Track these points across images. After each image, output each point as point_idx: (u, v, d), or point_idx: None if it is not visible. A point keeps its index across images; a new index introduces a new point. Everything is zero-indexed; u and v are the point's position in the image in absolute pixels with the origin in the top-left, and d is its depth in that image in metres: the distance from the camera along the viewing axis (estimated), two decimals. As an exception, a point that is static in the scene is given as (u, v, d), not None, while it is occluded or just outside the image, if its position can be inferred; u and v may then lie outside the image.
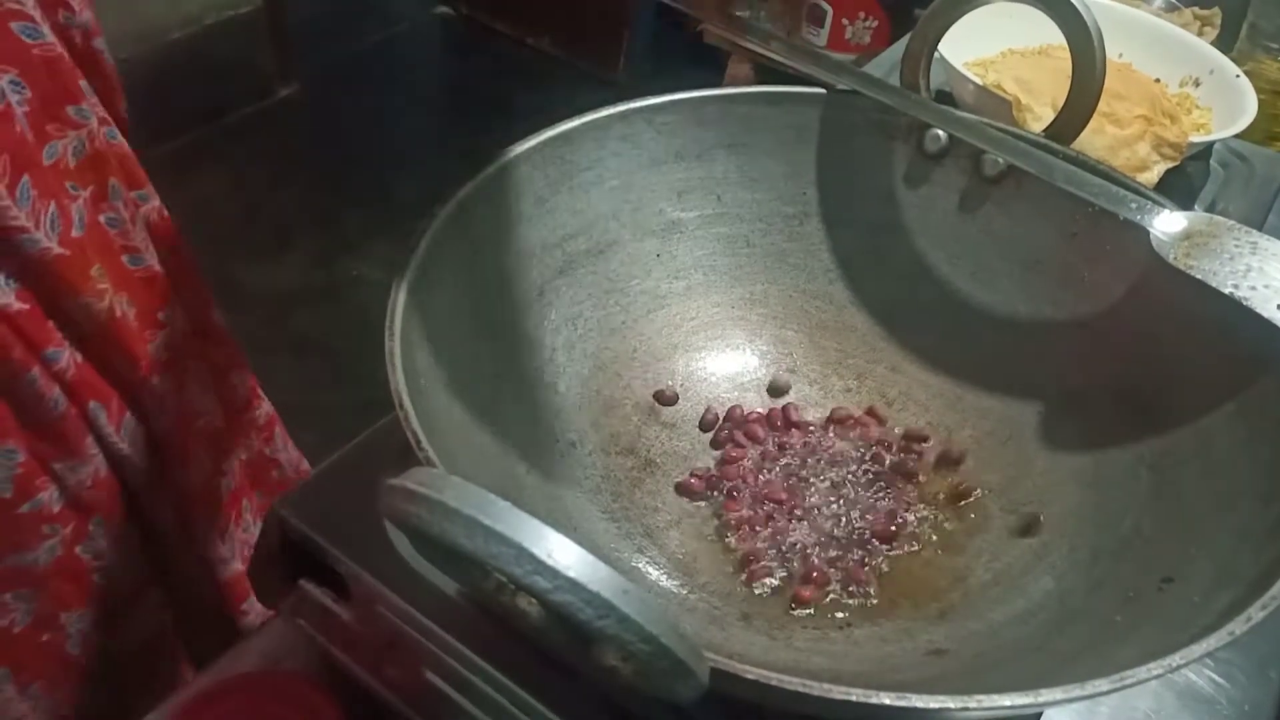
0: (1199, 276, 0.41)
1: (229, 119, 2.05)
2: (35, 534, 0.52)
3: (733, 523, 0.46)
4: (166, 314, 0.57)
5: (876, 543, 0.45)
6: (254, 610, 0.66)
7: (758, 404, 0.51)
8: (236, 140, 2.01)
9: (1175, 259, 0.42)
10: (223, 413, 0.63)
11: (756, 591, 0.43)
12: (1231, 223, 0.42)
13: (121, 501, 0.56)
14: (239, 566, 0.64)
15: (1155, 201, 0.44)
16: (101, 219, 0.53)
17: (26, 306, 0.48)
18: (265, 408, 0.68)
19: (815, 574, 0.44)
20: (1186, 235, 0.43)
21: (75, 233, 0.50)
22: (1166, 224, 0.43)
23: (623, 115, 0.49)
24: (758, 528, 0.46)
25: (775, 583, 0.44)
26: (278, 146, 2.03)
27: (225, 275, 1.71)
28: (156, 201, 0.58)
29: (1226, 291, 0.40)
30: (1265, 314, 0.39)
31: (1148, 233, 0.43)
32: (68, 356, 0.50)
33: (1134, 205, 0.44)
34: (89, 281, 0.50)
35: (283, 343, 1.63)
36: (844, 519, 0.46)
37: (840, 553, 0.45)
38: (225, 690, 0.44)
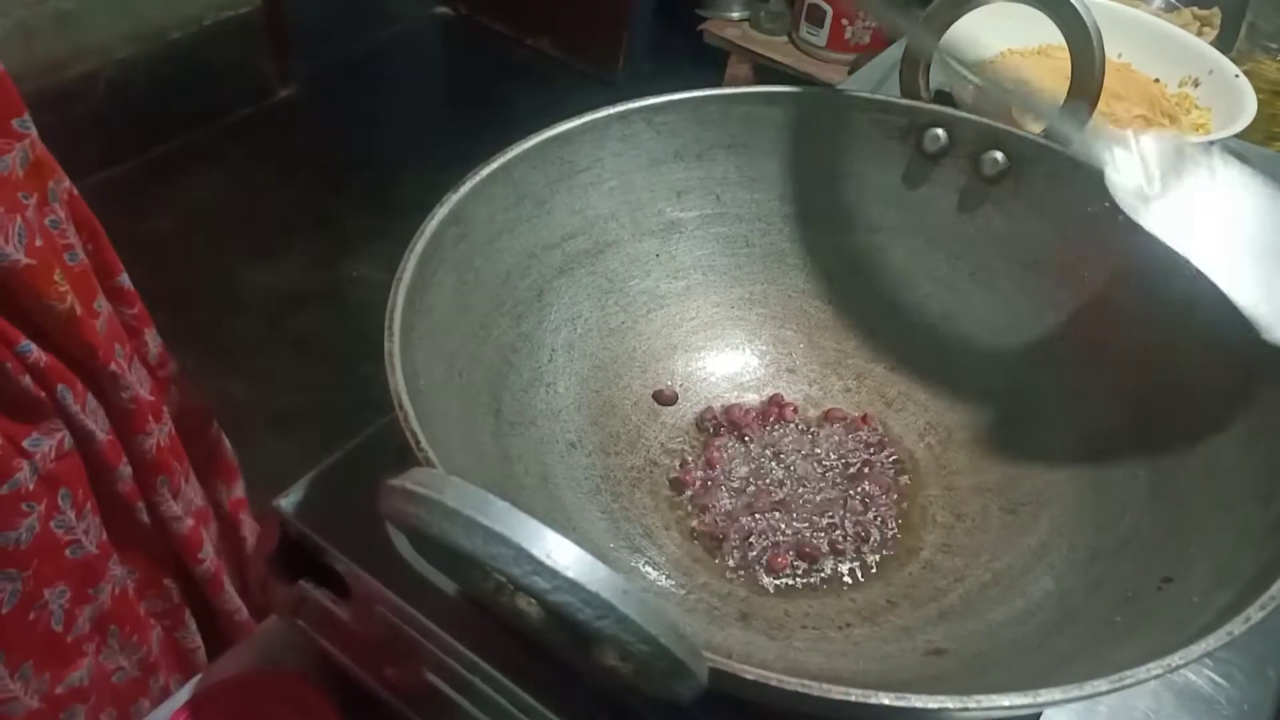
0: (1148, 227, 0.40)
1: (228, 120, 2.05)
2: (16, 513, 0.54)
3: (706, 507, 0.46)
4: (99, 301, 0.60)
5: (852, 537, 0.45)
6: (209, 559, 0.69)
7: (757, 404, 0.51)
8: (236, 141, 2.01)
9: (1128, 206, 0.41)
10: (148, 376, 0.65)
11: (717, 561, 0.44)
12: (1195, 146, 0.41)
13: (84, 473, 0.59)
14: (190, 523, 0.67)
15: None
16: (46, 222, 0.55)
17: None
18: (174, 363, 0.71)
19: (806, 548, 0.44)
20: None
21: (38, 242, 0.52)
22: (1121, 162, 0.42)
23: (621, 115, 0.49)
24: (736, 518, 0.46)
25: (741, 558, 0.44)
26: (277, 147, 2.03)
27: (225, 275, 1.71)
28: (67, 182, 0.60)
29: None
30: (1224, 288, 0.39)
31: (1143, 233, 0.43)
32: (37, 351, 0.54)
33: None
34: (53, 286, 0.53)
35: (282, 343, 1.63)
36: (825, 515, 0.46)
37: (815, 534, 0.45)
38: (225, 690, 0.44)
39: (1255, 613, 0.31)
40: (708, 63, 2.07)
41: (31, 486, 0.54)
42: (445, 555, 0.27)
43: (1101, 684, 0.29)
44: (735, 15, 2.07)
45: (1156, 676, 0.29)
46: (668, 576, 0.43)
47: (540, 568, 0.24)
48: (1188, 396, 0.43)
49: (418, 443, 0.33)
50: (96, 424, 0.58)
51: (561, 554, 0.24)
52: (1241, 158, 0.75)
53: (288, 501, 0.43)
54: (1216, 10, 0.86)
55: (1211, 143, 0.70)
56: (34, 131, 0.54)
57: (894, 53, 0.84)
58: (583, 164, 0.49)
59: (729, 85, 0.50)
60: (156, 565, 0.67)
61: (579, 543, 0.24)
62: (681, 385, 0.51)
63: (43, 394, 0.54)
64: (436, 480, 0.25)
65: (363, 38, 2.34)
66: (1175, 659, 0.29)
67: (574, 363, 0.49)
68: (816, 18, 1.93)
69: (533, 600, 0.28)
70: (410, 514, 0.24)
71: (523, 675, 0.38)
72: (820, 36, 1.94)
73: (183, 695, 0.45)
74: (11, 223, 0.50)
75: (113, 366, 0.58)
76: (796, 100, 0.51)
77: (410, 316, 0.38)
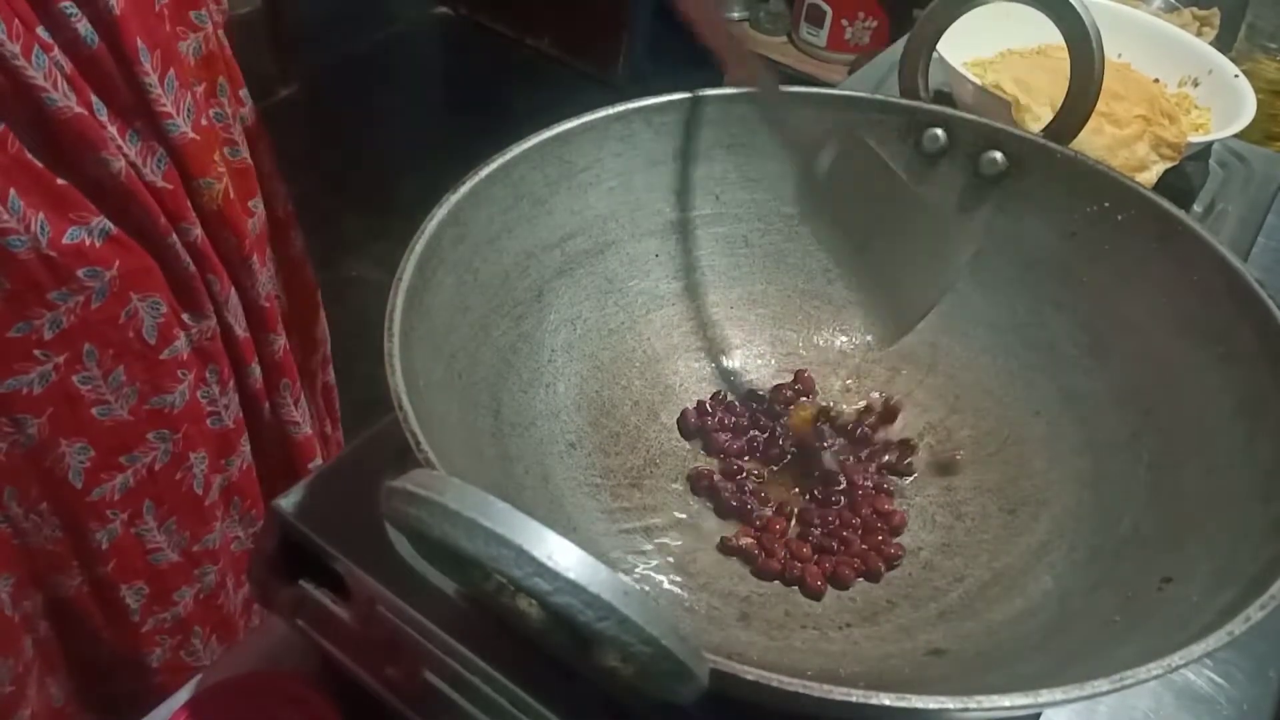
0: None
1: (228, 119, 2.05)
2: (174, 377, 0.61)
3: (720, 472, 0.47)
4: (255, 202, 0.65)
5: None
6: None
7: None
8: (236, 140, 2.01)
9: None
10: (287, 296, 0.72)
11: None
12: None
13: (227, 356, 0.65)
14: (308, 431, 0.73)
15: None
16: (211, 112, 0.60)
17: (170, 186, 0.56)
18: (318, 294, 0.78)
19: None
20: None
21: (204, 122, 0.58)
22: None
23: (621, 115, 0.49)
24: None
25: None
26: (278, 147, 2.03)
27: (225, 275, 1.71)
28: (243, 90, 0.65)
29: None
30: None
31: (1144, 235, 0.43)
32: (196, 231, 0.59)
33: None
34: (212, 165, 0.59)
35: (282, 343, 1.63)
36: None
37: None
38: (225, 690, 0.44)
39: (1255, 613, 0.31)
40: (708, 63, 2.07)
41: (186, 356, 0.61)
42: (446, 556, 0.27)
43: (1102, 684, 0.29)
44: (735, 15, 2.07)
45: (1157, 677, 0.29)
46: (668, 577, 0.43)
47: (542, 569, 0.24)
48: (1188, 396, 0.43)
49: (418, 443, 0.33)
50: (236, 320, 0.64)
51: (563, 556, 0.24)
52: (1240, 157, 0.76)
53: (288, 501, 0.43)
54: (1216, 10, 0.86)
55: (1211, 143, 0.70)
56: (209, 26, 0.58)
57: (894, 53, 0.84)
58: (582, 164, 0.49)
59: (729, 85, 0.50)
60: (282, 457, 0.73)
61: (579, 543, 0.24)
62: (681, 385, 0.51)
63: (198, 276, 0.60)
64: (437, 482, 0.25)
65: (363, 38, 2.34)
66: (1175, 659, 0.29)
67: (574, 363, 0.49)
68: (816, 18, 1.93)
69: (533, 601, 0.28)
70: (411, 515, 0.24)
71: (523, 675, 0.38)
72: (820, 37, 1.94)
73: (183, 695, 0.45)
74: (184, 98, 0.55)
75: (253, 261, 0.64)
76: (796, 101, 0.51)
77: (410, 317, 0.38)
